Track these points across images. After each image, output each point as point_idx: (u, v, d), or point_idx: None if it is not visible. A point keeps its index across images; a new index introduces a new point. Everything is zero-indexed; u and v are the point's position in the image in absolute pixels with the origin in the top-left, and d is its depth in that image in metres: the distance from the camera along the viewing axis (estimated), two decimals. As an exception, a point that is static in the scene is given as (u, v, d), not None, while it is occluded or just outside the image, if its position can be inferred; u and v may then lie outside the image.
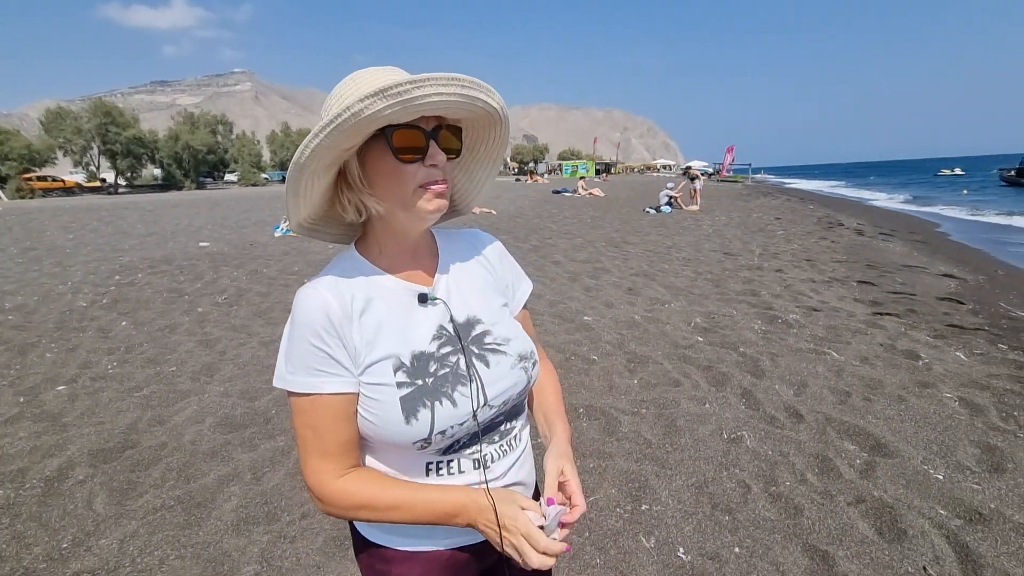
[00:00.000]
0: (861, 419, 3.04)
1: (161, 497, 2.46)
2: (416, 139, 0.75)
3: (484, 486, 0.81)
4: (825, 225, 12.43)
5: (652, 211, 15.60)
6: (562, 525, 0.78)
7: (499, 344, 0.87)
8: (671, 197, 16.32)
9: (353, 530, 0.94)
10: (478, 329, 0.87)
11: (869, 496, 2.37)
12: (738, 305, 5.46)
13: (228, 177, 62.52)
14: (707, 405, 3.28)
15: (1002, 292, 6.13)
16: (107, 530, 2.24)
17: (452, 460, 0.84)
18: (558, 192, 25.00)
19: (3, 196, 36.65)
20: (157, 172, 55.52)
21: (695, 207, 16.32)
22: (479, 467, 0.86)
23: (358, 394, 0.79)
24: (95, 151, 47.04)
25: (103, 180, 49.11)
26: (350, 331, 0.78)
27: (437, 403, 0.79)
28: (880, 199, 26.72)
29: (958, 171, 66.51)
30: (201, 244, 10.22)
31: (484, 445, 0.87)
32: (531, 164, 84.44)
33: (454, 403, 0.80)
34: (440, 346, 0.83)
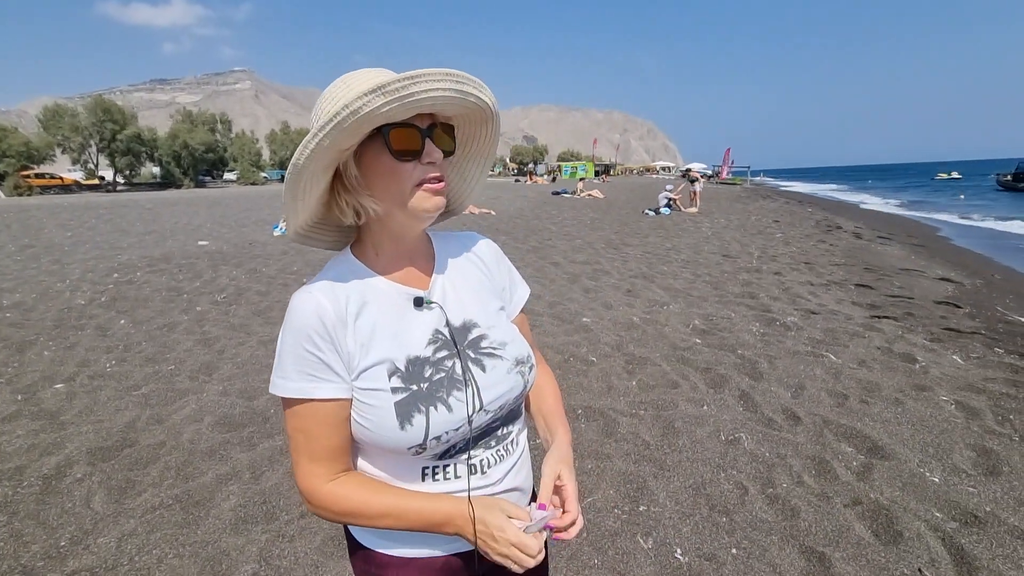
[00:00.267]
0: (858, 422, 3.05)
1: (159, 496, 2.46)
2: (412, 138, 0.75)
3: (468, 499, 0.79)
4: (823, 228, 12.46)
5: (651, 213, 15.62)
6: (551, 529, 0.78)
7: (495, 348, 0.86)
8: (670, 199, 16.34)
9: (347, 533, 0.93)
10: (474, 333, 0.86)
11: (866, 498, 2.38)
12: (736, 307, 5.47)
13: (227, 176, 62.46)
14: (705, 407, 3.30)
15: (999, 296, 6.16)
16: (105, 528, 2.24)
17: (448, 465, 0.83)
18: (557, 193, 25.03)
19: (1, 193, 36.57)
20: (156, 170, 55.43)
21: (694, 209, 16.35)
22: (475, 472, 0.85)
23: (351, 400, 0.78)
24: (93, 149, 46.93)
25: (102, 178, 49.00)
26: (344, 335, 0.77)
27: (432, 408, 0.78)
28: (876, 203, 26.75)
29: (955, 175, 66.81)
30: (200, 243, 10.21)
31: (481, 450, 0.86)
32: (531, 165, 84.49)
33: (449, 408, 0.79)
34: (436, 350, 0.82)
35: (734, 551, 2.09)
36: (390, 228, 0.84)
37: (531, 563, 0.72)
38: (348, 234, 0.91)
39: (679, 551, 2.10)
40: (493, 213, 15.73)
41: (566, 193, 24.69)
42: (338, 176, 0.81)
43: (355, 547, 0.91)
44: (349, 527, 0.92)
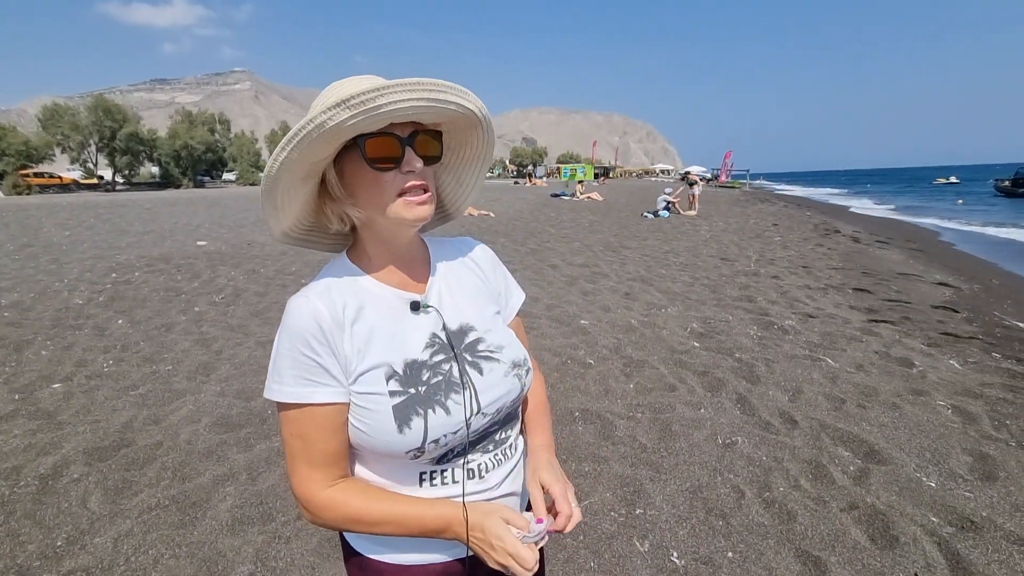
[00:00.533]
0: (855, 426, 3.06)
1: (156, 496, 2.46)
2: (391, 147, 0.74)
3: (463, 503, 0.79)
4: (822, 232, 12.48)
5: (650, 216, 15.64)
6: (550, 533, 0.79)
7: (492, 351, 0.87)
8: (669, 202, 16.36)
9: (342, 539, 0.93)
10: (471, 336, 0.86)
11: (862, 502, 2.38)
12: (734, 311, 5.48)
13: (226, 176, 62.44)
14: (702, 410, 3.30)
15: (997, 301, 6.17)
16: (101, 529, 2.24)
17: (446, 470, 0.83)
18: (556, 195, 25.05)
19: (0, 192, 36.53)
20: (155, 170, 55.39)
21: (693, 212, 16.38)
22: (473, 477, 0.84)
23: (348, 404, 0.78)
24: (93, 148, 46.87)
25: (100, 177, 48.94)
26: (341, 340, 0.77)
27: (430, 411, 0.78)
28: (876, 208, 26.72)
29: (953, 179, 67.06)
30: (199, 243, 10.20)
31: (478, 454, 0.85)
32: (530, 167, 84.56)
33: (447, 411, 0.79)
34: (433, 354, 0.82)
35: (730, 555, 2.09)
36: (379, 234, 0.84)
37: (526, 575, 0.72)
38: (346, 237, 0.91)
39: (675, 554, 2.10)
40: (492, 215, 15.74)
41: (565, 195, 24.71)
42: (324, 184, 0.81)
43: (351, 553, 0.90)
44: (345, 534, 0.91)
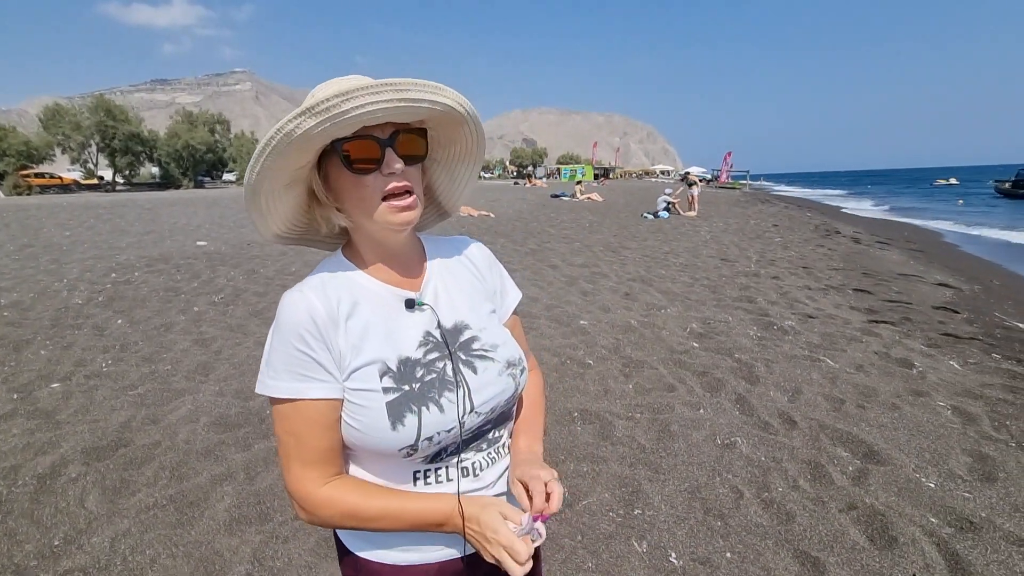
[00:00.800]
0: (854, 426, 3.05)
1: (154, 496, 2.46)
2: (369, 149, 0.74)
3: (458, 495, 0.78)
4: (822, 233, 12.48)
5: (650, 216, 15.64)
6: (545, 521, 0.78)
7: (487, 350, 0.86)
8: (669, 203, 16.36)
9: (337, 539, 0.92)
10: (466, 335, 0.86)
11: (861, 503, 2.38)
12: (734, 311, 5.48)
13: (226, 176, 62.50)
14: (701, 410, 3.29)
15: (997, 302, 6.17)
16: (99, 528, 2.23)
17: (439, 469, 0.82)
18: (556, 196, 25.05)
19: (0, 192, 36.55)
20: (155, 170, 55.44)
21: (693, 213, 16.37)
22: (467, 475, 0.84)
23: (342, 400, 0.77)
24: (93, 148, 46.90)
25: (101, 178, 48.97)
26: (335, 335, 0.76)
27: (424, 408, 0.77)
28: (876, 209, 26.67)
29: (953, 181, 67.04)
30: (198, 243, 10.20)
31: (472, 453, 0.85)
32: (530, 168, 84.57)
33: (441, 409, 0.78)
34: (427, 352, 0.81)
35: (729, 555, 2.09)
36: (371, 236, 0.83)
37: (519, 571, 0.70)
38: (342, 235, 0.91)
39: (674, 555, 2.10)
40: (492, 215, 15.75)
41: (565, 196, 24.72)
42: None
43: (344, 553, 0.90)
44: (339, 534, 0.91)
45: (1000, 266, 9.22)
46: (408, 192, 0.78)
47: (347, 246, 0.88)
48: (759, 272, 7.54)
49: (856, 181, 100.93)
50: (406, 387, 0.78)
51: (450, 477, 0.83)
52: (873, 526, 2.23)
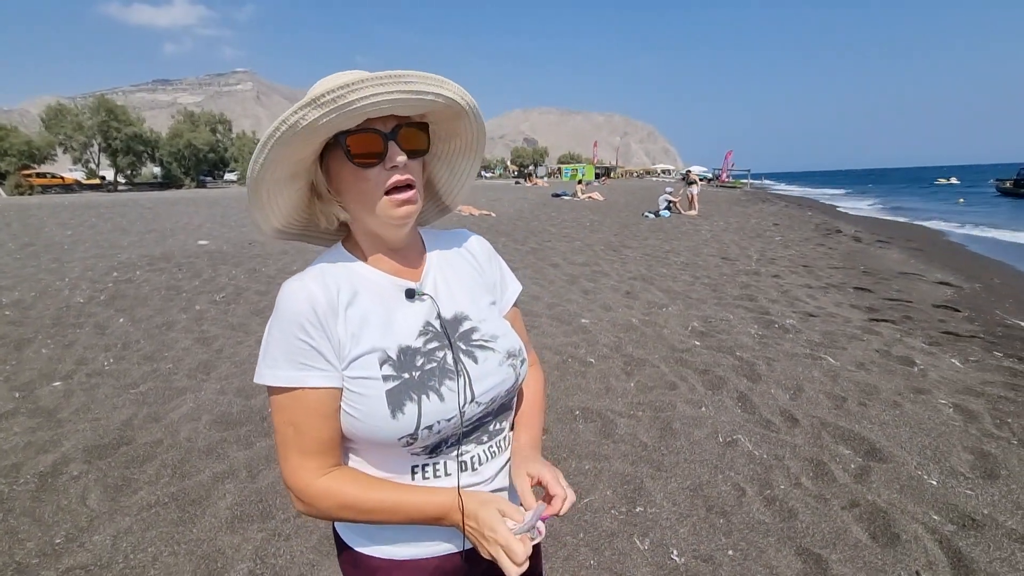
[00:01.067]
0: (856, 424, 3.05)
1: (155, 494, 2.46)
2: (372, 142, 0.74)
3: (458, 490, 0.78)
4: (823, 232, 12.47)
5: (651, 215, 15.63)
6: (545, 520, 0.78)
7: (487, 341, 0.86)
8: (670, 202, 16.35)
9: (336, 534, 0.92)
10: (466, 325, 0.86)
11: (863, 501, 2.37)
12: (735, 310, 5.47)
13: (228, 176, 62.58)
14: (703, 408, 3.29)
15: (998, 300, 6.16)
16: (100, 526, 2.23)
17: (438, 462, 0.82)
18: (557, 195, 25.04)
19: (2, 192, 36.58)
20: (157, 170, 55.51)
21: (693, 212, 16.36)
22: (466, 469, 0.84)
23: (341, 390, 0.77)
24: (95, 148, 46.95)
25: (102, 178, 49.04)
26: (335, 324, 0.76)
27: (424, 396, 0.77)
28: (877, 208, 26.59)
29: (954, 180, 66.96)
30: (200, 242, 10.21)
31: (472, 445, 0.85)
32: (531, 167, 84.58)
33: (441, 397, 0.78)
34: (427, 341, 0.81)
35: (731, 552, 2.09)
36: (371, 230, 0.83)
37: (515, 571, 0.69)
38: (340, 230, 0.91)
39: (676, 552, 2.10)
40: (493, 215, 15.74)
41: (566, 195, 24.70)
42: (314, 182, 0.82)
43: (343, 548, 0.90)
44: (338, 528, 0.91)
45: (1001, 264, 9.21)
46: (410, 186, 0.78)
47: (347, 239, 0.89)
48: (760, 271, 7.53)
49: (857, 180, 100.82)
50: (406, 375, 0.78)
51: (448, 471, 0.82)
52: (875, 523, 2.23)
